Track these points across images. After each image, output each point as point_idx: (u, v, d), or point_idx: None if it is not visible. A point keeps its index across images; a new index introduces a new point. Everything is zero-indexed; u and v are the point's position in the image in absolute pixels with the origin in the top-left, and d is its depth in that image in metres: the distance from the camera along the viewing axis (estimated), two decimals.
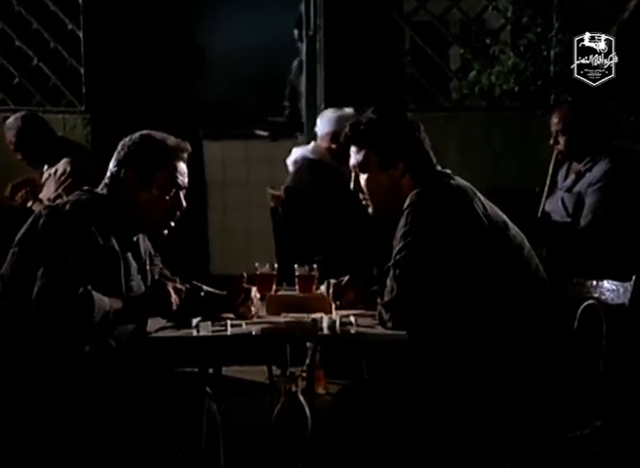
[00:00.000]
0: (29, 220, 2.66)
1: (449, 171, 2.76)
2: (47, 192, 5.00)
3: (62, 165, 4.95)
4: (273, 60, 7.37)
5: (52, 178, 4.99)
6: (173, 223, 2.82)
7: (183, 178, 2.81)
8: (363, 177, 2.78)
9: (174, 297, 2.70)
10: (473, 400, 2.49)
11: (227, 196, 6.63)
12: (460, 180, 2.71)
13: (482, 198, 2.68)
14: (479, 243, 2.56)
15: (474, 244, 2.55)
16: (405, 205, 2.62)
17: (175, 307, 2.71)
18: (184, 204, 2.82)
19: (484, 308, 2.53)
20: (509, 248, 2.62)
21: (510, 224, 2.69)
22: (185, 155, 2.82)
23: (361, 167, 2.78)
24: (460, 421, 2.49)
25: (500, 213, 2.69)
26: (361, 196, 2.82)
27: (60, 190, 4.90)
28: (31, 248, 2.59)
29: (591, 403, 2.60)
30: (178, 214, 2.82)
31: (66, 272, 2.52)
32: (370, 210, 2.82)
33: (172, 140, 2.80)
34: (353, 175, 2.82)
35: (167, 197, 2.77)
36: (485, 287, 2.55)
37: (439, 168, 2.77)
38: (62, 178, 4.92)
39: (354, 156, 2.80)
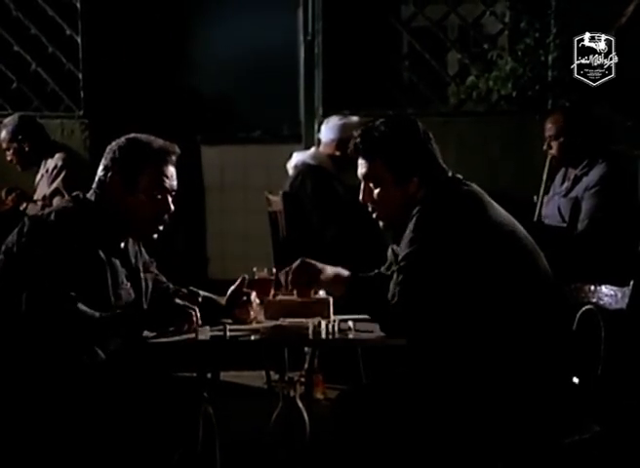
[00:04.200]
0: (16, 230, 2.63)
1: (461, 176, 2.71)
2: (41, 191, 4.99)
3: (55, 160, 4.94)
4: (271, 64, 7.37)
5: (45, 176, 4.98)
6: (161, 227, 2.78)
7: (171, 182, 2.76)
8: (376, 191, 2.69)
9: (192, 326, 2.71)
10: (471, 404, 2.49)
11: (225, 201, 6.63)
12: (472, 186, 2.66)
13: (494, 204, 2.64)
14: (487, 251, 2.52)
15: (482, 252, 2.52)
16: (414, 211, 2.58)
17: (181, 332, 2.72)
18: (172, 207, 2.77)
19: (487, 316, 2.51)
20: (519, 256, 2.59)
21: (520, 229, 2.65)
22: (173, 157, 2.77)
23: (373, 181, 2.70)
24: (457, 426, 2.48)
25: (510, 217, 2.65)
26: (370, 207, 2.75)
27: (55, 184, 4.89)
28: (16, 259, 2.57)
29: (590, 408, 2.60)
30: (166, 217, 2.77)
31: (50, 285, 2.51)
32: (380, 222, 2.76)
33: (157, 143, 2.76)
34: (363, 186, 2.74)
35: (153, 201, 2.73)
36: (491, 295, 2.52)
37: (450, 173, 2.71)
38: (56, 172, 4.91)
39: (364, 168, 2.71)
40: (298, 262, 2.83)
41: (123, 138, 2.77)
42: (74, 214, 2.66)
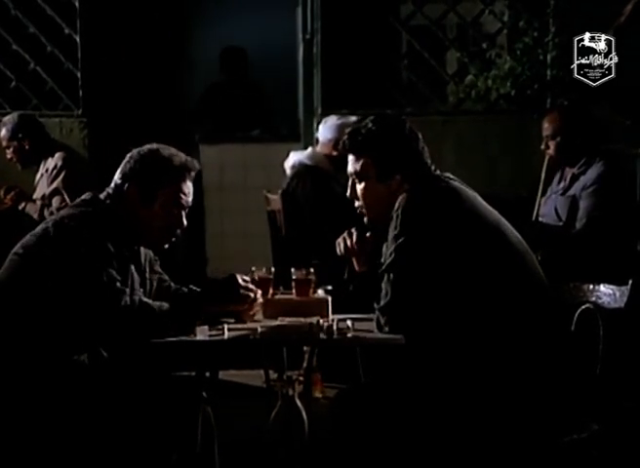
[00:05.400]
0: (35, 236, 2.62)
1: (448, 174, 2.74)
2: (40, 190, 5.00)
3: (55, 159, 4.96)
4: (270, 63, 7.37)
5: (45, 176, 4.98)
6: (173, 239, 2.80)
7: (187, 198, 2.77)
8: (359, 186, 2.77)
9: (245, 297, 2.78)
10: (470, 403, 2.49)
11: (225, 200, 6.63)
12: (454, 183, 2.69)
13: (477, 199, 2.67)
14: (470, 244, 2.56)
15: (465, 245, 2.55)
16: (394, 208, 2.62)
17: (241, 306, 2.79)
18: (185, 222, 2.79)
19: (480, 310, 2.53)
20: (504, 249, 2.61)
21: (507, 226, 2.68)
22: (193, 174, 2.78)
23: (358, 176, 2.77)
24: (456, 425, 2.49)
25: (497, 214, 2.68)
26: (357, 204, 2.81)
27: (55, 184, 4.89)
28: (48, 264, 2.55)
29: (589, 406, 2.60)
30: (178, 232, 2.79)
31: (108, 280, 2.55)
32: (365, 218, 2.81)
33: (178, 159, 2.76)
34: (350, 182, 2.81)
35: (168, 215, 2.74)
36: (479, 288, 2.54)
37: (438, 172, 2.74)
38: (56, 172, 4.92)
39: (352, 164, 2.79)
40: (355, 234, 2.87)
41: (146, 148, 2.77)
42: (96, 218, 2.66)
